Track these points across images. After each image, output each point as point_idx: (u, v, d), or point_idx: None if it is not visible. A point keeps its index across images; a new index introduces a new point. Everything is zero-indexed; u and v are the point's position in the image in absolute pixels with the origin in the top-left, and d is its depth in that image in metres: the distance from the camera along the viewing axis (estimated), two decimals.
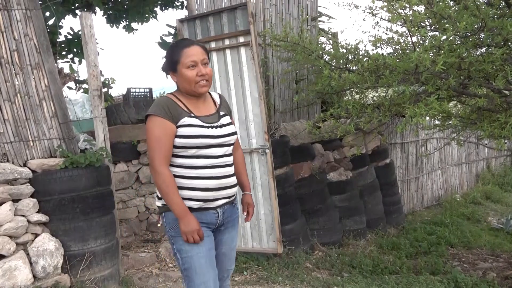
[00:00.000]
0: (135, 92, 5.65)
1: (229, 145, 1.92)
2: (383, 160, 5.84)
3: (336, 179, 5.01)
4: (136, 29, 7.17)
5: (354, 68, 3.94)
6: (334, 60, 4.15)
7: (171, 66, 1.87)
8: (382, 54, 3.36)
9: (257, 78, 3.93)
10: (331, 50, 4.50)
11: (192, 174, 1.83)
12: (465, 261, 4.27)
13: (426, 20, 3.42)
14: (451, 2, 3.71)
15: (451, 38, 3.09)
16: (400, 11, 2.91)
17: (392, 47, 3.67)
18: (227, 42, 4.09)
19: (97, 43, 4.44)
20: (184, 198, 1.82)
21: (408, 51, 3.53)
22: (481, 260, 4.24)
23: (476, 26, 3.03)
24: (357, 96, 4.49)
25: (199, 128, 1.82)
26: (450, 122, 4.11)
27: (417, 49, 2.85)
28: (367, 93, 4.37)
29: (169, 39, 6.50)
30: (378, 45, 3.48)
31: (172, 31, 6.55)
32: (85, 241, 3.15)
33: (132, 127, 4.64)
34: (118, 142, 4.42)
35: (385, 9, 2.91)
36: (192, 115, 1.84)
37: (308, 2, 5.43)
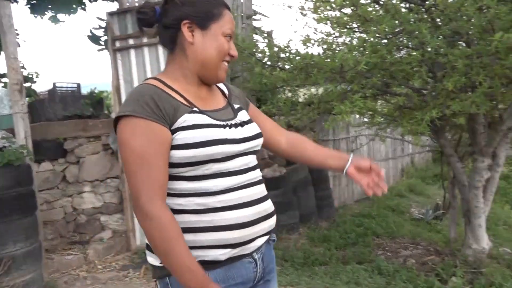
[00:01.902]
0: (61, 87, 5.37)
1: (254, 153, 1.24)
2: None
3: (270, 175, 5.11)
4: (63, 21, 6.82)
5: (287, 66, 4.05)
6: (268, 58, 4.23)
7: (201, 18, 1.15)
8: (312, 53, 3.48)
9: None
10: (265, 48, 4.58)
11: (213, 204, 1.11)
12: (388, 249, 4.54)
13: (354, 22, 3.59)
14: (377, 6, 3.93)
15: (374, 39, 3.27)
16: (326, 13, 3.03)
17: (322, 46, 3.81)
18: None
19: (18, 34, 4.16)
20: (201, 247, 1.11)
21: (337, 51, 3.69)
22: (402, 248, 4.54)
23: (398, 29, 3.23)
24: (289, 94, 4.60)
25: (211, 129, 1.12)
26: (377, 119, 4.36)
27: (342, 49, 2.98)
28: (299, 91, 4.49)
29: (100, 33, 6.24)
30: (309, 44, 3.59)
31: (104, 24, 6.30)
32: (3, 245, 2.96)
33: (58, 124, 4.42)
34: (42, 139, 4.18)
35: (311, 10, 3.03)
36: (196, 109, 1.13)
37: (243, 0, 5.47)
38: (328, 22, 3.08)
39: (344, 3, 2.97)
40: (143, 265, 3.93)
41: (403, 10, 3.73)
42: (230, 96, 1.31)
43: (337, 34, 3.27)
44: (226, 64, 1.21)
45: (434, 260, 4.05)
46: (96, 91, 6.05)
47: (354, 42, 3.51)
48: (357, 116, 5.71)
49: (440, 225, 5.77)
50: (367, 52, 3.11)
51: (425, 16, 3.53)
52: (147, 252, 1.21)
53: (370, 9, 3.69)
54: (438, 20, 3.43)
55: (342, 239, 4.92)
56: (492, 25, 2.45)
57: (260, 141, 1.26)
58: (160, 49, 4.03)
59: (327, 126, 3.32)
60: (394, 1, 3.66)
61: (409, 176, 9.17)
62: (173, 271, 1.08)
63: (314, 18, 3.71)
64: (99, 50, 6.04)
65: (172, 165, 1.10)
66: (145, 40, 4.05)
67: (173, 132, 1.09)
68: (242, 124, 1.22)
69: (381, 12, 3.49)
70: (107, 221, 4.44)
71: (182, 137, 1.09)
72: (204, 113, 1.14)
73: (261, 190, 1.23)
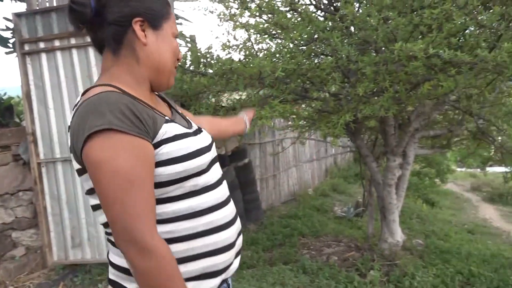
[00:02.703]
0: None
1: (217, 159, 1.17)
2: (242, 160, 6.10)
3: None
4: None
5: (211, 71, 4.05)
6: (190, 64, 4.19)
7: (153, 15, 1.02)
8: (232, 59, 3.51)
9: None
10: (187, 53, 4.53)
11: (202, 227, 1.00)
12: (313, 248, 4.71)
13: (273, 29, 3.68)
14: (296, 14, 4.07)
15: (291, 46, 3.39)
16: (244, 19, 3.09)
17: (242, 52, 3.86)
18: (73, 41, 3.82)
19: None
20: (192, 279, 0.99)
21: (258, 56, 3.76)
22: (326, 246, 4.73)
23: (316, 36, 3.37)
24: (213, 99, 4.61)
25: (190, 138, 1.02)
26: (300, 123, 4.51)
27: (261, 55, 3.05)
28: (222, 96, 4.51)
29: (8, 34, 5.79)
30: (229, 50, 3.62)
31: (12, 25, 5.85)
32: None
33: None
34: None
35: (227, 17, 3.06)
36: (168, 118, 1.02)
37: None
38: (246, 28, 3.13)
39: (260, 10, 3.04)
40: (61, 282, 3.70)
41: (321, 18, 3.92)
42: (165, 99, 1.19)
43: (255, 40, 3.33)
44: (175, 69, 1.10)
45: (354, 256, 4.27)
46: (5, 96, 5.59)
47: (273, 48, 3.61)
48: (282, 120, 5.89)
49: (361, 221, 6.11)
50: (286, 59, 3.21)
51: (340, 24, 3.73)
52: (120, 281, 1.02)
53: (289, 15, 3.83)
54: (352, 28, 3.64)
55: (269, 241, 5.01)
56: (395, 35, 2.65)
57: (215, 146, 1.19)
58: (75, 53, 3.83)
59: (248, 131, 3.36)
60: (311, 9, 3.83)
61: (333, 176, 9.60)
62: None
63: (237, 24, 3.76)
64: (7, 53, 5.59)
65: (158, 185, 0.94)
66: (57, 43, 3.83)
67: (156, 146, 0.94)
68: (201, 130, 1.14)
69: (299, 19, 3.64)
70: (20, 237, 4.12)
71: (167, 150, 0.95)
72: (174, 121, 1.02)
73: (233, 203, 1.15)
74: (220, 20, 3.34)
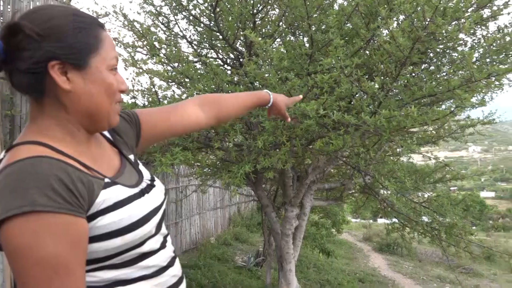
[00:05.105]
0: None
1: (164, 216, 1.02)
2: None
3: None
4: None
5: None
6: None
7: (75, 54, 0.82)
8: (136, 103, 3.47)
9: None
10: None
11: None
12: None
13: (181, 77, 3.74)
14: (203, 65, 4.19)
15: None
16: (150, 66, 3.10)
17: (146, 98, 3.84)
18: None
19: None
20: None
21: (165, 103, 3.76)
22: None
23: (221, 88, 3.49)
24: None
25: (135, 202, 0.88)
26: (205, 170, 4.52)
27: (164, 102, 3.05)
28: None
29: None
30: (133, 94, 3.58)
31: None
32: None
33: None
34: None
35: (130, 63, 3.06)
36: (108, 180, 0.86)
37: None
38: (150, 76, 3.14)
39: (168, 59, 3.08)
40: None
41: (228, 72, 4.08)
42: (116, 141, 1.02)
43: (160, 87, 3.34)
44: (119, 104, 0.92)
45: None
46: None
47: (178, 96, 3.64)
48: (186, 166, 5.86)
49: (260, 271, 6.15)
50: None
51: (245, 78, 3.92)
52: None
53: (198, 65, 3.93)
54: (257, 83, 3.84)
55: None
56: (291, 94, 2.85)
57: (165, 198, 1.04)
58: None
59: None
60: (218, 62, 3.98)
61: (236, 224, 9.63)
62: None
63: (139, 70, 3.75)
64: None
65: (94, 261, 0.81)
66: None
67: (92, 218, 0.79)
68: (152, 183, 0.99)
69: (206, 71, 3.75)
70: None
71: (105, 223, 0.80)
72: (116, 183, 0.86)
73: (177, 262, 1.01)
74: (125, 65, 3.31)
